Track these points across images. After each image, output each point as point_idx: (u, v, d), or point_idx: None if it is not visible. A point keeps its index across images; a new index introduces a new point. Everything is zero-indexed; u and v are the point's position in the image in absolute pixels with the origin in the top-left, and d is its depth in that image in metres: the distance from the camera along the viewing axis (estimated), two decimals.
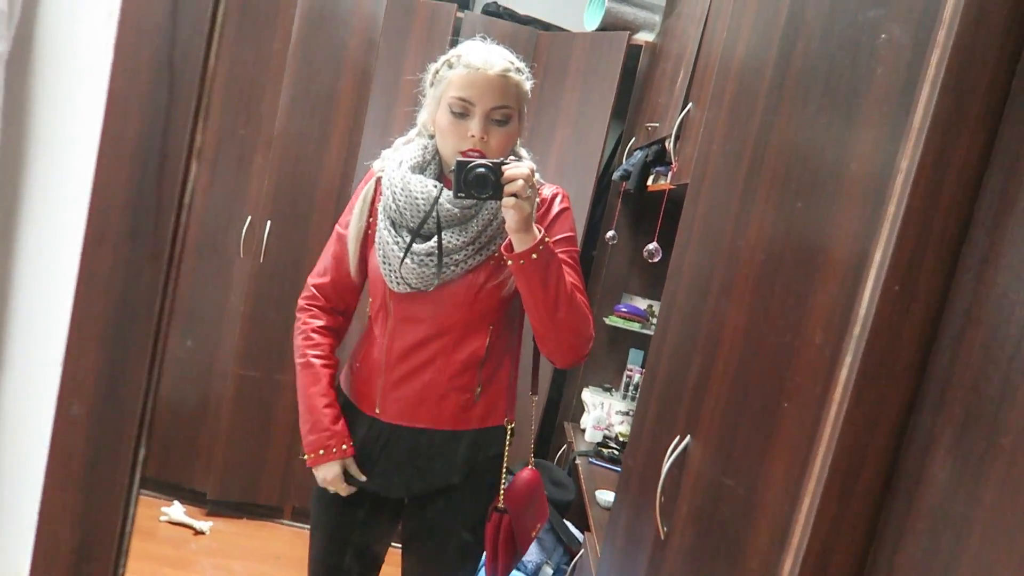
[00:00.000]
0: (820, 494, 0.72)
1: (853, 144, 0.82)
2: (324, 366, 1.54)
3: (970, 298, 0.65)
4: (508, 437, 1.57)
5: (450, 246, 1.43)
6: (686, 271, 1.44)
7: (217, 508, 3.13)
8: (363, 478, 1.52)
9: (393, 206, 1.47)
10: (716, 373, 1.15)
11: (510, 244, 1.35)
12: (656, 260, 2.20)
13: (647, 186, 2.32)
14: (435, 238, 1.42)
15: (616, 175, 2.63)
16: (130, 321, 0.68)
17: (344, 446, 1.50)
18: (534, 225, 1.35)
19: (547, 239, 1.36)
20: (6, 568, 0.70)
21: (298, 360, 1.56)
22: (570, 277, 1.43)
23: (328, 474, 1.51)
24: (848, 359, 0.71)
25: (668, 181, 2.12)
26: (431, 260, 1.43)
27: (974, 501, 0.59)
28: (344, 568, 1.58)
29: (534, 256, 1.34)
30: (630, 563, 1.41)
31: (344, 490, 1.52)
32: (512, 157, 1.49)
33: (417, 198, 1.44)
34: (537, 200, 1.38)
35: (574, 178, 2.89)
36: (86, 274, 0.68)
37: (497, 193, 1.32)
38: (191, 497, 3.13)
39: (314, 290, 1.60)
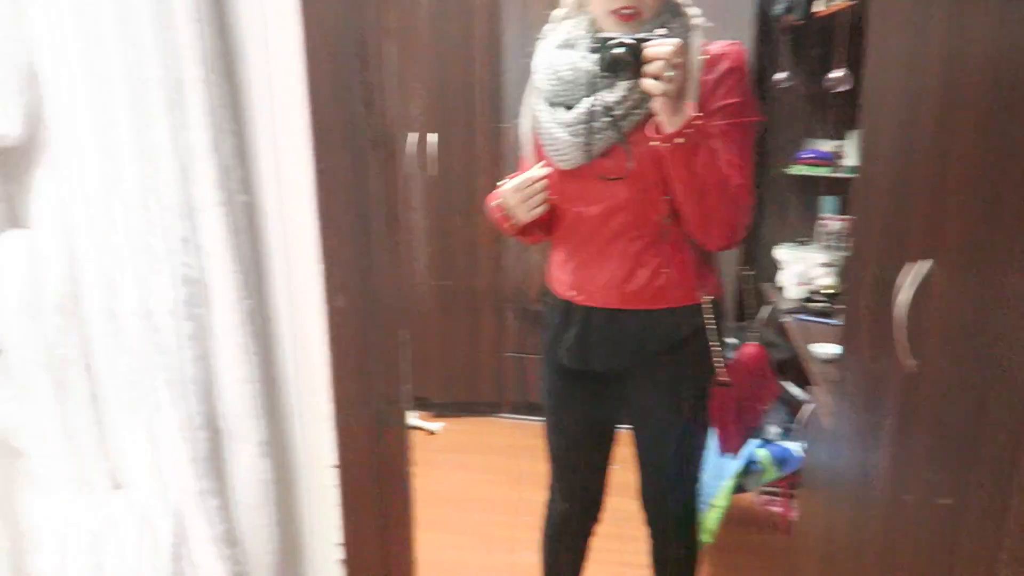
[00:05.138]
0: None
1: None
2: None
3: None
4: (709, 309, 1.52)
5: (602, 104, 1.37)
6: (888, 87, 1.31)
7: (443, 410, 3.39)
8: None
9: (546, 86, 1.45)
10: (950, 185, 1.05)
11: (656, 125, 1.29)
12: (846, 88, 1.99)
13: (813, 13, 2.09)
14: (588, 102, 1.38)
15: (778, 8, 2.39)
16: (370, 211, 0.73)
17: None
18: (685, 105, 1.27)
19: (697, 121, 1.28)
20: (316, 449, 0.80)
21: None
22: (729, 155, 1.35)
23: (511, 195, 1.46)
24: None
25: None
26: (583, 127, 1.38)
27: None
28: (578, 444, 1.65)
29: (679, 140, 1.27)
30: (872, 407, 1.35)
31: (536, 176, 1.44)
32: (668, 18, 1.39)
33: (563, 73, 1.41)
34: (685, 77, 1.28)
35: (730, 22, 2.67)
36: (321, 176, 0.73)
37: (637, 72, 1.25)
38: (419, 404, 3.41)
39: None
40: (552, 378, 1.64)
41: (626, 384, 1.62)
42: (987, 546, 0.89)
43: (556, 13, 1.52)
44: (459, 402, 3.38)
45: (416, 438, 3.23)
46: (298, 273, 0.79)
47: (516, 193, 1.45)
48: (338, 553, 0.80)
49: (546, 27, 1.53)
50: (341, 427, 0.77)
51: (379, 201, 0.74)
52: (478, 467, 2.99)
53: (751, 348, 1.57)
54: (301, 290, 0.80)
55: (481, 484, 2.86)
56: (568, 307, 1.56)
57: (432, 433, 3.24)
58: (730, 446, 1.60)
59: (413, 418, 3.29)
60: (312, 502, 0.81)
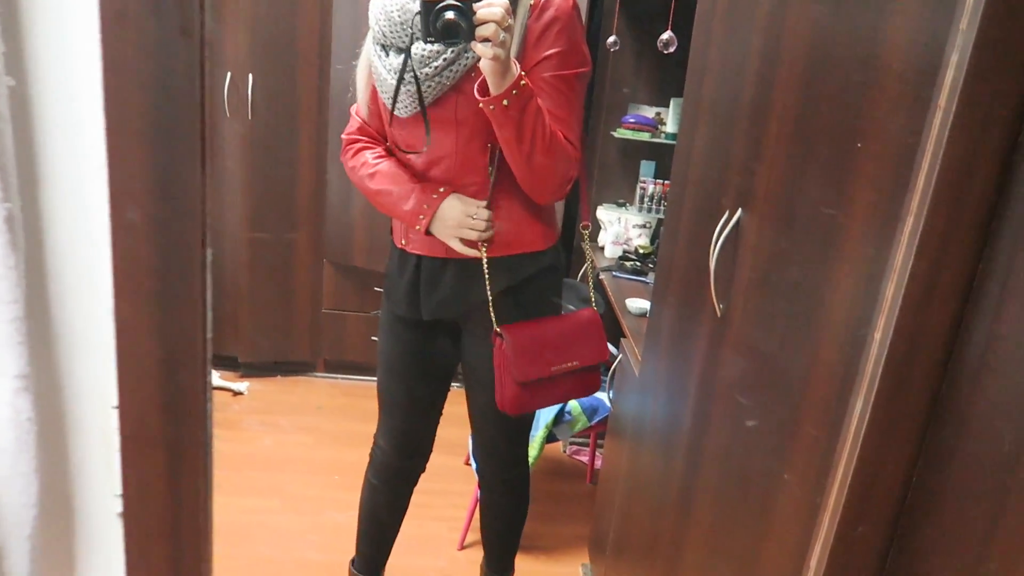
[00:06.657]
0: (926, 210, 0.68)
1: None
2: (379, 157, 1.51)
3: None
4: (542, 258, 1.52)
5: (421, 56, 1.34)
6: (713, 50, 1.35)
7: (251, 370, 3.19)
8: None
9: (377, 28, 1.40)
10: (769, 139, 1.10)
11: (484, 85, 1.27)
12: (672, 50, 2.07)
13: None
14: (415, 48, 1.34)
15: None
16: (172, 108, 0.61)
17: (441, 188, 1.43)
18: (513, 63, 1.26)
19: (524, 81, 1.27)
20: (94, 386, 0.68)
21: (364, 179, 1.51)
22: (555, 110, 1.35)
23: (451, 213, 1.42)
24: (955, 57, 0.65)
25: None
26: (408, 75, 1.35)
27: None
28: (409, 393, 1.62)
29: (505, 103, 1.27)
30: (682, 349, 1.42)
31: (485, 216, 1.42)
32: None
33: (392, 14, 1.36)
34: (512, 38, 1.27)
35: None
36: (111, 61, 0.60)
37: (469, 36, 1.22)
38: (223, 363, 3.18)
39: (352, 135, 1.58)
40: (388, 325, 1.61)
41: (458, 335, 1.61)
42: (779, 460, 0.96)
43: None
44: (268, 362, 3.20)
45: (220, 399, 3.01)
46: (77, 176, 0.66)
47: (457, 213, 1.41)
48: (117, 505, 0.69)
49: None
50: (125, 360, 0.66)
51: (185, 100, 0.63)
52: (288, 428, 2.85)
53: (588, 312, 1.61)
54: (81, 195, 0.67)
55: (290, 446, 2.73)
56: (402, 255, 1.54)
57: (237, 394, 3.04)
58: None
59: (216, 378, 3.06)
60: (86, 446, 0.69)
